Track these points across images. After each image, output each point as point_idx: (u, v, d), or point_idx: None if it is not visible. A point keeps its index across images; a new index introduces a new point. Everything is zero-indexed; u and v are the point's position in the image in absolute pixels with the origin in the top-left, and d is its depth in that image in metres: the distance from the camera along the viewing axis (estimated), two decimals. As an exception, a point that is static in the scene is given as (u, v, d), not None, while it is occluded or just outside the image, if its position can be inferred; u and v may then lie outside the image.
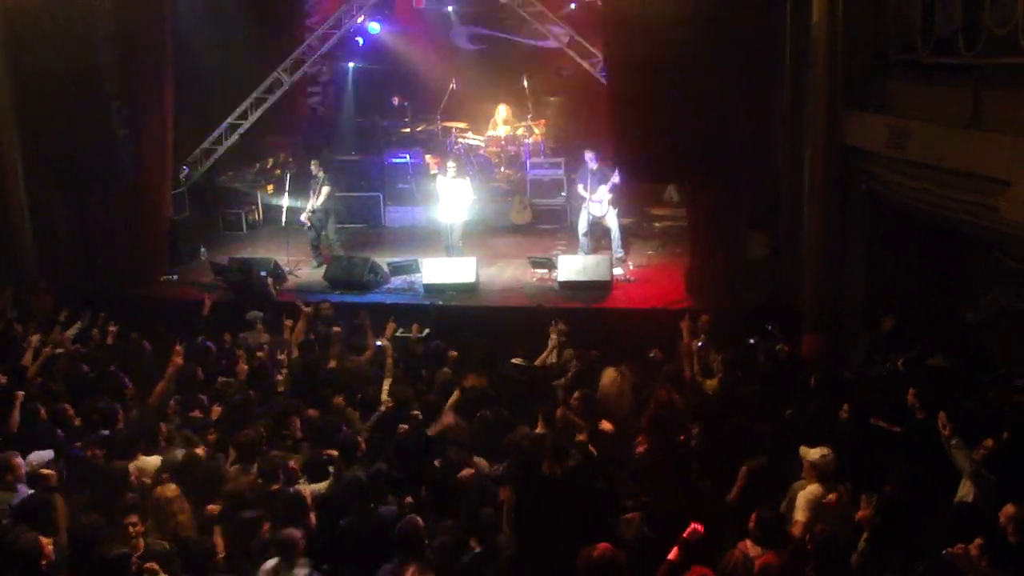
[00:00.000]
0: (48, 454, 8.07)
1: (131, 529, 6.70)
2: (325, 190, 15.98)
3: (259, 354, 11.08)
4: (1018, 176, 8.59)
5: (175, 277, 16.02)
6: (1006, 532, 6.33)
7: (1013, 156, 8.77)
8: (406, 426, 8.53)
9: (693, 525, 6.04)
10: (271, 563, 6.55)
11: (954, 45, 9.78)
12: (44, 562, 6.29)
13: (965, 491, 7.23)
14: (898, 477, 7.22)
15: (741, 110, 13.36)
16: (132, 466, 7.93)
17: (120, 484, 7.64)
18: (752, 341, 11.37)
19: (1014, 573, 5.74)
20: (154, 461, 8.10)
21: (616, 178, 14.72)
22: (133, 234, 15.74)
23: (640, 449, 8.36)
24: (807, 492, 7.29)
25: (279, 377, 10.45)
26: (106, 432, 8.65)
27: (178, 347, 10.17)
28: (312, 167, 16.16)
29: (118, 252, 15.53)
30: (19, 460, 7.73)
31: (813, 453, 7.43)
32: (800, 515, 7.20)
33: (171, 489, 7.26)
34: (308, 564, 6.57)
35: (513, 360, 10.22)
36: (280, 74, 18.66)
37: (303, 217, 16.01)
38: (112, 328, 11.89)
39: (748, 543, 6.58)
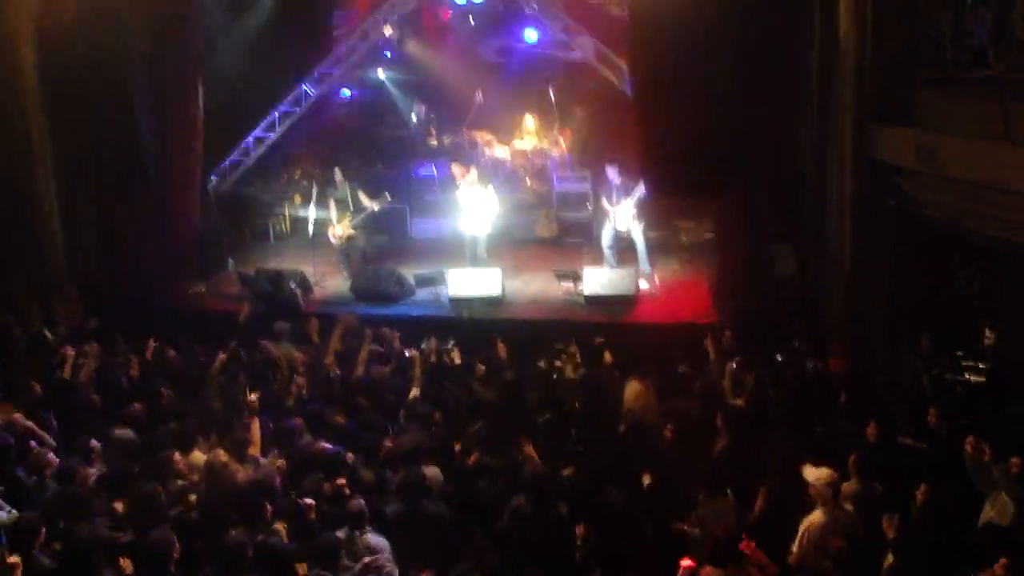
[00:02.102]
0: None
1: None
2: (362, 194, 16.09)
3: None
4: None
5: (203, 288, 16.08)
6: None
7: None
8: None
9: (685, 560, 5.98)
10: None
11: (984, 58, 9.74)
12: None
13: (989, 513, 7.18)
14: (925, 496, 7.16)
15: (768, 124, 13.31)
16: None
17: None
18: (779, 358, 11.32)
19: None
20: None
21: (641, 192, 14.69)
22: (161, 243, 15.79)
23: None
24: (805, 521, 7.24)
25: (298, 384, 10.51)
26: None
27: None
28: (336, 175, 16.25)
29: (146, 261, 15.55)
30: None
31: (811, 475, 7.36)
32: (795, 545, 7.16)
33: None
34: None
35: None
36: (307, 86, 18.77)
37: (332, 237, 16.05)
38: (152, 344, 11.87)
39: (708, 568, 6.54)
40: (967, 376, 10.32)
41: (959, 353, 11.15)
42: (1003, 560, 5.67)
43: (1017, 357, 10.90)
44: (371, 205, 16.10)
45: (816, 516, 7.21)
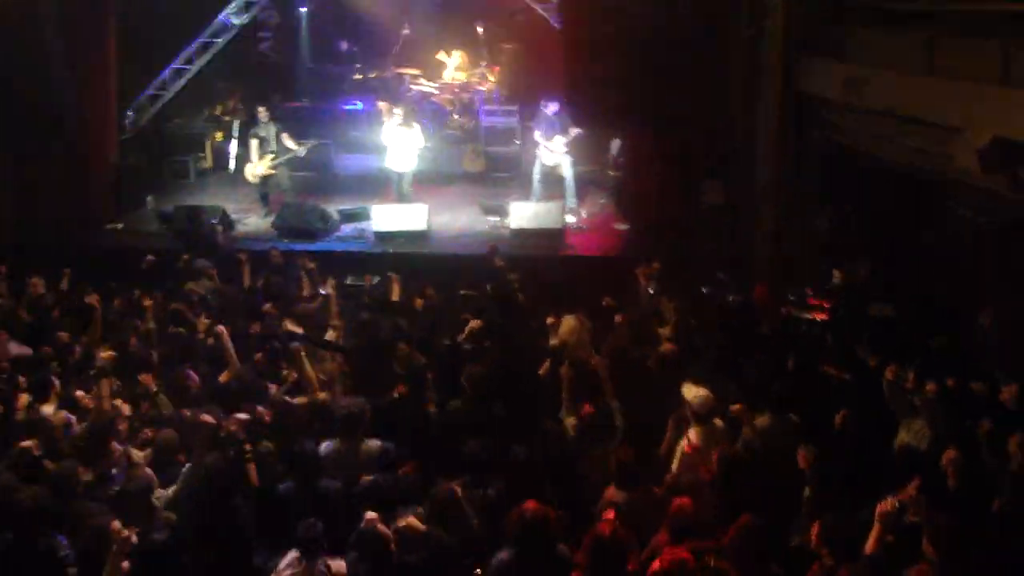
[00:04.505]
0: None
1: None
2: (286, 136, 15.70)
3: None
4: (971, 123, 8.56)
5: (120, 226, 15.64)
6: (946, 475, 6.35)
7: (967, 103, 8.73)
8: None
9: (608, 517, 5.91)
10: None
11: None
12: None
13: (905, 437, 7.24)
14: (842, 421, 7.19)
15: (697, 58, 13.23)
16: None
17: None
18: (705, 290, 11.32)
19: (951, 514, 5.74)
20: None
21: (576, 130, 14.52)
22: (76, 182, 15.33)
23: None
24: (683, 440, 7.22)
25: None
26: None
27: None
28: (259, 113, 15.82)
29: (61, 201, 15.08)
30: None
31: (690, 393, 7.36)
32: (674, 463, 7.17)
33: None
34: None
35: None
36: (228, 17, 18.20)
37: (250, 175, 15.69)
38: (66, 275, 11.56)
39: (612, 488, 6.51)
40: (883, 310, 10.36)
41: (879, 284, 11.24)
42: (916, 480, 5.70)
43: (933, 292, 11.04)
44: (295, 149, 15.73)
45: (692, 434, 7.22)
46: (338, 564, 5.88)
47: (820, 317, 10.30)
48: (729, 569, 5.48)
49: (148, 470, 6.80)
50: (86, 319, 10.26)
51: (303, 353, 8.25)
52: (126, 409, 7.77)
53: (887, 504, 5.55)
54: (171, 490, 6.75)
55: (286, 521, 6.23)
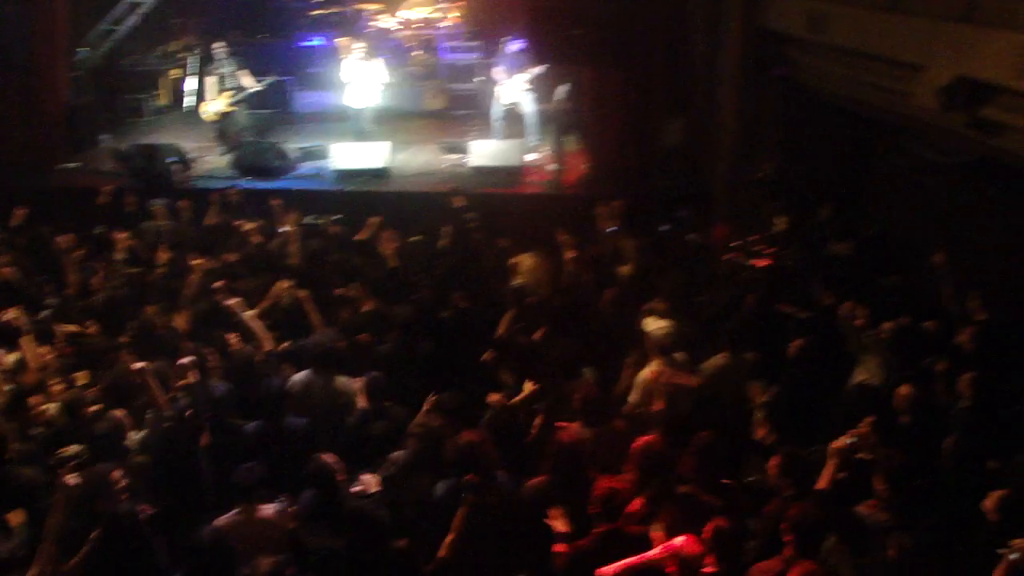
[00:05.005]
0: None
1: None
2: (245, 74, 15.41)
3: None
4: (931, 61, 8.53)
5: (74, 165, 15.34)
6: (899, 411, 6.43)
7: (929, 40, 8.69)
8: None
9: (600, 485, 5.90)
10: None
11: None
12: None
13: (860, 376, 7.31)
14: (796, 359, 7.25)
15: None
16: None
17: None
18: (664, 228, 11.32)
19: (904, 451, 5.83)
20: None
21: (538, 68, 14.37)
22: (27, 121, 15.00)
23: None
24: (644, 372, 7.27)
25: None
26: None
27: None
28: (217, 49, 15.50)
29: (11, 140, 14.78)
30: None
31: (651, 326, 7.39)
32: (633, 395, 7.22)
33: None
34: None
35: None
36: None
37: (208, 113, 15.40)
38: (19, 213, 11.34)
39: (576, 424, 6.55)
40: (839, 248, 10.39)
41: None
42: (869, 418, 5.76)
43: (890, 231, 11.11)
44: (253, 85, 15.45)
45: (652, 366, 7.25)
46: (270, 510, 5.86)
47: (762, 264, 10.31)
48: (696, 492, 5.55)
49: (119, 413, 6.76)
50: (43, 258, 10.20)
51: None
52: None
53: (840, 442, 5.62)
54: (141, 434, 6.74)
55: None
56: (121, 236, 10.59)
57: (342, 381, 7.22)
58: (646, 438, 6.02)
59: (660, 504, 5.46)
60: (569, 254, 9.60)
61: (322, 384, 7.19)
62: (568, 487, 5.77)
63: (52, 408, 6.99)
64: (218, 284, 8.63)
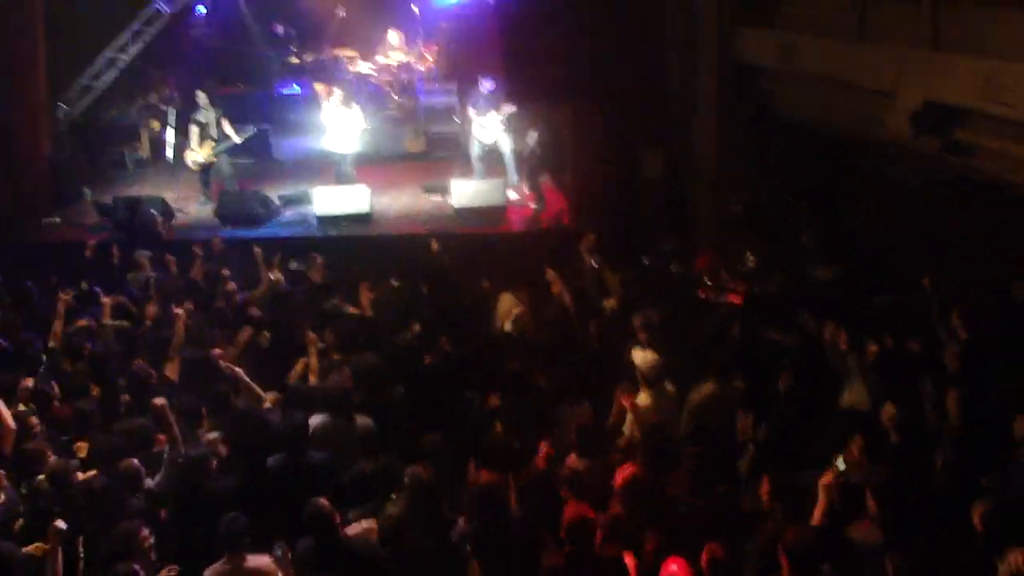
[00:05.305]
0: None
1: None
2: (226, 123, 15.48)
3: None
4: (902, 87, 8.69)
5: (58, 220, 15.37)
6: (887, 431, 6.47)
7: (897, 67, 8.86)
8: None
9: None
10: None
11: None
12: None
13: (848, 399, 7.37)
14: (786, 384, 7.30)
15: (632, 30, 13.28)
16: None
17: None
18: (647, 261, 11.39)
19: (892, 470, 5.86)
20: None
21: (509, 107, 14.49)
22: (9, 178, 15.04)
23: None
24: (636, 402, 7.31)
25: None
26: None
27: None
28: (199, 98, 15.57)
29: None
30: None
31: (638, 357, 7.45)
32: (627, 428, 7.26)
33: None
34: None
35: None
36: (160, 4, 17.89)
37: (190, 162, 15.44)
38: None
39: (573, 456, 6.58)
40: (824, 273, 10.49)
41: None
42: (858, 440, 5.81)
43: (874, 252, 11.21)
44: (235, 136, 15.53)
45: (641, 398, 7.30)
46: (261, 560, 5.71)
47: (735, 300, 10.40)
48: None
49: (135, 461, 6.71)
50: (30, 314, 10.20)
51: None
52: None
53: (827, 476, 5.64)
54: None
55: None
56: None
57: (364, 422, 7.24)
58: (630, 469, 6.07)
59: (647, 530, 5.50)
60: (555, 289, 9.64)
61: (344, 426, 7.20)
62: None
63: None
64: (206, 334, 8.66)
